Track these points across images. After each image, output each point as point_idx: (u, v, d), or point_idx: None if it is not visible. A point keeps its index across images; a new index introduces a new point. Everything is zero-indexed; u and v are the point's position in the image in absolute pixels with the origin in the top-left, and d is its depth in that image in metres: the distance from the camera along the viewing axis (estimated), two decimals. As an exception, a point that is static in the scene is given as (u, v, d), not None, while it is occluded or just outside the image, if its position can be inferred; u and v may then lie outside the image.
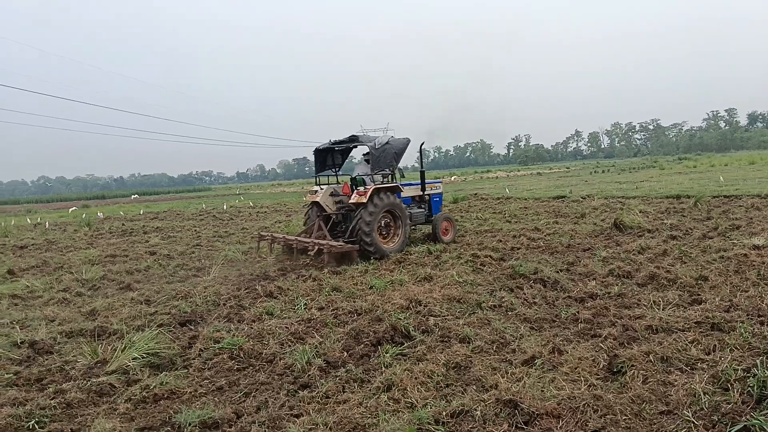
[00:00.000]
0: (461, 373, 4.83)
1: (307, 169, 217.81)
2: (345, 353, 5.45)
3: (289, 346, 5.80)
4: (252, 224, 20.68)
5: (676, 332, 5.34)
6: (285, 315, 7.02)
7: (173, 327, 6.81)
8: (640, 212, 13.83)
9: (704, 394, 3.93)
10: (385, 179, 11.99)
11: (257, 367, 5.35)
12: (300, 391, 4.68)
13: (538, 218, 16.11)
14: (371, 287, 8.20)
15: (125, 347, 5.59)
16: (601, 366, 4.70)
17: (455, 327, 5.96)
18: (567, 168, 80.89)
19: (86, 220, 24.39)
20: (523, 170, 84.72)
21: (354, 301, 7.36)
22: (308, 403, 4.40)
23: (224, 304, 7.76)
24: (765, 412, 3.57)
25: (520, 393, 4.12)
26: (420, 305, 6.87)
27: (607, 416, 3.78)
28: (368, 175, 11.90)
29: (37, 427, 4.26)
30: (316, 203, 12.18)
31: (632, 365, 4.51)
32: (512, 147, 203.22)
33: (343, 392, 4.60)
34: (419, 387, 4.49)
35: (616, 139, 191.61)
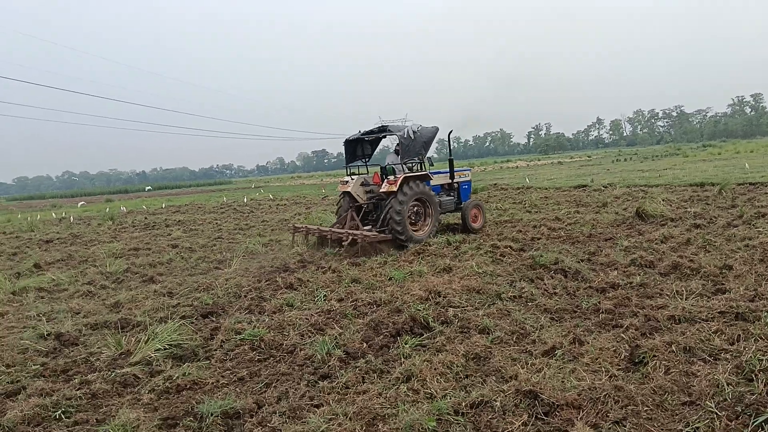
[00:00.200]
0: (481, 364, 4.82)
1: (326, 161, 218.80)
2: (364, 344, 5.47)
3: (310, 337, 5.84)
4: (272, 216, 20.80)
5: (700, 322, 5.27)
6: (305, 306, 7.07)
7: (195, 318, 6.90)
8: (663, 201, 13.60)
9: (728, 384, 3.87)
10: (415, 168, 12.08)
11: (278, 358, 5.40)
12: (320, 382, 4.71)
13: (559, 208, 15.96)
14: (390, 278, 8.21)
15: (148, 339, 5.68)
16: (622, 357, 4.66)
17: (475, 318, 5.95)
18: (588, 156, 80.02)
19: (110, 214, 24.77)
20: (543, 159, 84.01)
21: (373, 293, 7.38)
22: (328, 394, 4.43)
23: (245, 296, 7.83)
24: (791, 403, 3.50)
25: (540, 384, 4.09)
26: (439, 296, 6.86)
27: (629, 407, 3.75)
28: (398, 164, 12.02)
29: (63, 416, 4.36)
30: (347, 193, 12.31)
31: (654, 356, 4.46)
32: (532, 136, 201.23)
33: (363, 383, 4.63)
34: (438, 378, 4.49)
35: (639, 127, 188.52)
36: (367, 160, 13.40)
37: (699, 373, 4.15)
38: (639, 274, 7.30)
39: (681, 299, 6.04)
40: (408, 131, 11.60)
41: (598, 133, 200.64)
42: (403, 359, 5.02)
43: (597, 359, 4.61)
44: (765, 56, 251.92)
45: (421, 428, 3.67)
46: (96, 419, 4.30)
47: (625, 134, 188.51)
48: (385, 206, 11.26)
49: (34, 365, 5.57)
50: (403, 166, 11.88)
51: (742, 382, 3.94)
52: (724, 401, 3.69)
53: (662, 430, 3.54)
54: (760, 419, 3.40)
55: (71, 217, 26.69)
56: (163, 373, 5.09)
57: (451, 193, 13.34)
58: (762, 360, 4.11)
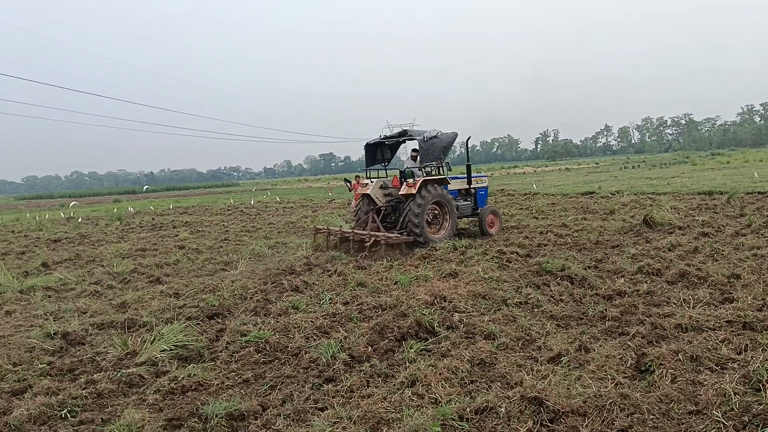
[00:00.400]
0: (486, 370, 4.81)
1: (333, 164, 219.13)
2: (369, 348, 5.47)
3: (315, 340, 5.84)
4: (279, 219, 20.85)
5: (707, 331, 5.24)
6: (310, 309, 7.07)
7: (201, 320, 6.91)
8: (670, 209, 13.54)
9: (735, 394, 3.84)
10: (433, 172, 12.41)
11: (283, 361, 5.40)
12: (325, 385, 4.71)
13: (566, 214, 15.91)
14: (396, 283, 8.20)
15: (154, 339, 5.70)
16: (628, 364, 4.64)
17: (480, 323, 5.94)
18: (596, 163, 79.70)
19: (117, 215, 24.89)
20: (551, 166, 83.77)
21: (379, 297, 7.38)
22: (333, 397, 4.43)
23: (251, 298, 7.85)
24: (798, 413, 3.48)
25: (545, 390, 4.08)
26: (445, 301, 6.85)
27: (634, 415, 3.73)
28: (417, 167, 12.31)
29: (69, 416, 4.38)
30: (366, 195, 12.59)
31: (661, 364, 4.44)
32: (540, 142, 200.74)
33: (368, 387, 4.62)
34: (443, 383, 4.49)
35: (647, 134, 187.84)
36: (386, 163, 13.69)
37: (706, 382, 4.12)
38: (646, 282, 7.27)
39: (688, 308, 6.00)
40: (428, 136, 11.86)
41: (606, 140, 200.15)
42: (408, 364, 5.01)
43: (603, 367, 4.58)
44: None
45: (426, 433, 3.67)
46: (101, 419, 4.31)
47: (633, 141, 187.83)
48: (404, 209, 11.55)
49: (40, 364, 5.60)
50: (422, 170, 12.13)
51: (749, 391, 3.91)
52: (731, 411, 3.67)
53: (668, 439, 3.52)
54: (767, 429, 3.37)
55: (79, 218, 26.82)
56: (168, 373, 5.11)
57: (468, 198, 13.55)
58: (770, 370, 4.08)
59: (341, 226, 13.84)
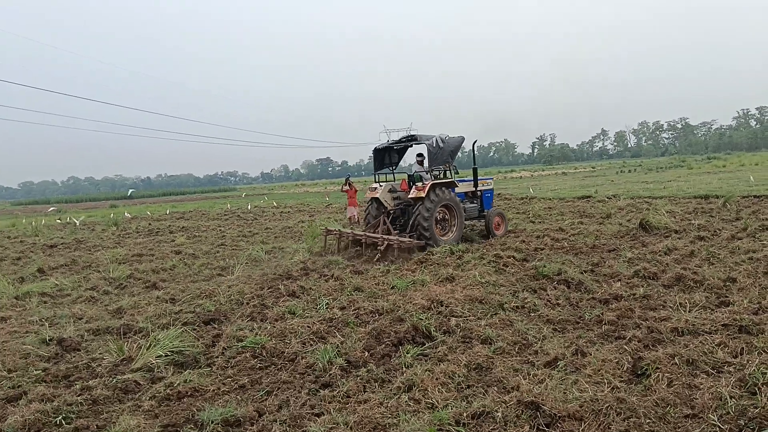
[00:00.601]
0: (482, 374, 4.80)
1: (330, 169, 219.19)
2: (366, 353, 5.46)
3: (311, 345, 5.83)
4: (275, 224, 20.82)
5: (703, 335, 5.24)
6: (307, 314, 7.05)
7: (197, 325, 6.90)
8: (667, 212, 13.59)
9: (731, 397, 3.85)
10: (440, 176, 12.71)
11: (279, 366, 5.39)
12: (321, 391, 4.70)
13: (563, 218, 15.94)
14: (393, 287, 8.19)
15: (150, 345, 5.69)
16: (625, 368, 4.64)
17: (477, 328, 5.93)
18: (592, 167, 79.91)
19: (114, 220, 24.84)
20: (547, 170, 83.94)
21: (375, 301, 7.36)
22: (329, 403, 4.42)
23: (247, 303, 7.83)
24: (794, 417, 3.48)
25: (542, 395, 4.08)
26: (441, 305, 6.85)
27: (631, 419, 3.73)
28: (425, 171, 12.66)
29: (64, 422, 4.35)
30: (375, 199, 12.83)
31: (657, 368, 4.44)
32: (536, 146, 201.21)
33: (364, 392, 4.61)
34: (440, 388, 4.48)
35: (643, 138, 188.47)
36: (394, 167, 13.89)
37: (702, 386, 4.12)
38: (642, 286, 7.28)
39: (684, 311, 6.01)
40: (436, 140, 12.07)
41: (603, 144, 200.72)
42: (404, 369, 5.00)
43: (599, 371, 4.59)
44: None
45: (422, 438, 3.66)
46: (96, 425, 4.29)
47: (629, 146, 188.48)
48: (413, 212, 11.77)
49: (35, 370, 5.57)
50: (431, 173, 12.42)
51: (745, 395, 3.91)
52: (727, 414, 3.67)
53: (664, 443, 3.52)
54: (764, 433, 3.38)
55: (76, 222, 26.74)
56: (164, 379, 5.09)
57: (475, 201, 13.81)
58: (765, 373, 4.08)
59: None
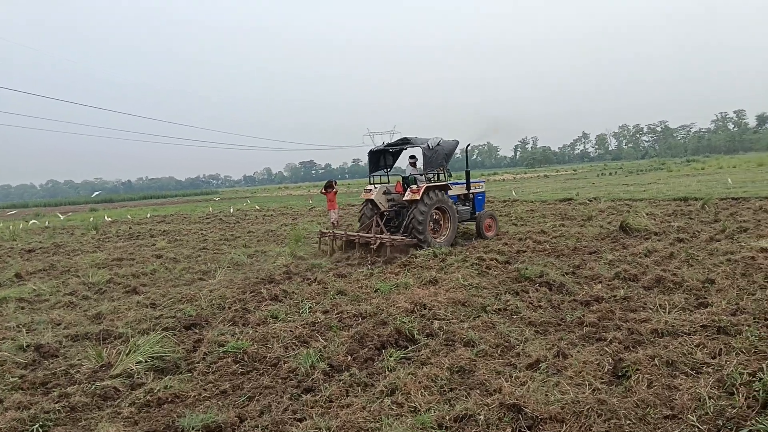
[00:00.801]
0: (465, 377, 4.81)
1: (313, 172, 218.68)
2: (349, 357, 5.44)
3: (294, 349, 5.80)
4: (258, 227, 20.70)
5: (682, 336, 5.30)
6: (290, 318, 7.02)
7: (178, 330, 6.83)
8: (646, 215, 13.77)
9: (709, 398, 3.90)
10: (434, 178, 12.99)
11: (261, 371, 5.35)
12: (303, 395, 4.67)
13: (545, 221, 16.07)
14: (376, 290, 8.18)
15: (130, 351, 5.61)
16: (605, 370, 4.68)
17: (460, 330, 5.95)
18: (574, 170, 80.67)
19: (93, 224, 24.51)
20: (529, 173, 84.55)
21: (359, 305, 7.35)
22: (311, 407, 4.40)
23: (229, 308, 7.77)
24: (771, 417, 3.53)
25: (523, 397, 4.09)
26: (425, 309, 6.85)
27: (612, 421, 3.76)
28: (420, 173, 12.91)
29: (41, 430, 4.29)
30: (370, 200, 13.06)
31: (637, 369, 4.49)
32: (519, 149, 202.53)
33: (347, 396, 4.59)
34: (423, 391, 4.48)
35: (624, 141, 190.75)
36: (388, 170, 14.14)
37: (681, 387, 4.17)
38: (623, 288, 7.35)
39: (664, 313, 6.08)
40: (431, 143, 12.24)
41: (584, 147, 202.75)
42: (387, 372, 5.00)
43: (581, 372, 4.62)
44: (748, 73, 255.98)
45: (405, 442, 3.65)
46: (74, 433, 4.22)
47: (610, 148, 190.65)
48: (408, 213, 12.00)
49: (12, 377, 5.47)
50: (425, 176, 12.68)
51: (723, 395, 3.96)
52: (706, 415, 3.71)
53: (645, 444, 3.55)
54: (741, 433, 3.42)
55: (53, 226, 26.34)
56: (144, 385, 5.03)
57: (467, 203, 14.04)
58: (743, 374, 4.14)
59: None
